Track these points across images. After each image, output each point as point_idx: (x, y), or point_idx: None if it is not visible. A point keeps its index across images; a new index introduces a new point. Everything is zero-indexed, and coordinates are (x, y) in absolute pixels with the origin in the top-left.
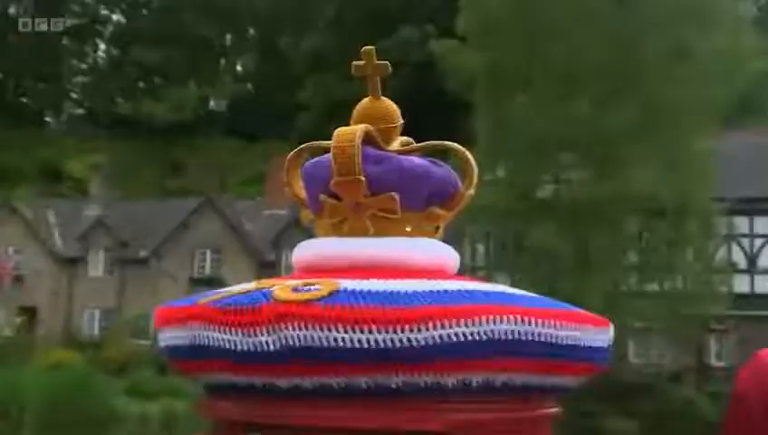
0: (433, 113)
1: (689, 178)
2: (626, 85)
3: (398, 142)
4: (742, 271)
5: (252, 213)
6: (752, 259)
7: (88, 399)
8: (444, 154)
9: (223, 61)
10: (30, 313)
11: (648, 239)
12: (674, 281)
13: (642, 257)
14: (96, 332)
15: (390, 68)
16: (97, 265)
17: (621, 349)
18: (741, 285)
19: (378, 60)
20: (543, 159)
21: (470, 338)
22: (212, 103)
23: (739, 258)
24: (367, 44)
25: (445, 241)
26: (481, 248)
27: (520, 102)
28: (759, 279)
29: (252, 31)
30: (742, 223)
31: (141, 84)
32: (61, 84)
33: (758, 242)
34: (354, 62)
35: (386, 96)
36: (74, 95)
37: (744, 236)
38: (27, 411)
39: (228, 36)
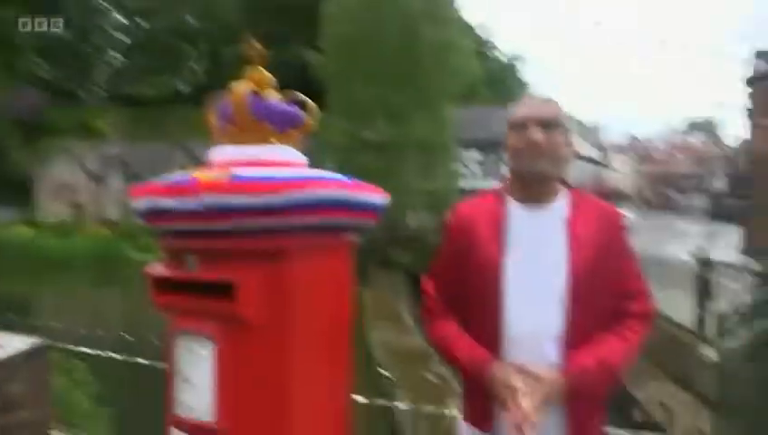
0: (299, 86)
1: (444, 128)
2: (411, 72)
3: (272, 92)
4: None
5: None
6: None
7: (114, 253)
8: (302, 104)
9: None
10: (79, 206)
11: (421, 162)
12: (433, 184)
13: (416, 171)
14: (116, 217)
15: (270, 57)
16: (115, 182)
17: (402, 215)
18: (471, 185)
19: (262, 49)
20: (365, 116)
21: (310, 198)
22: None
23: (467, 172)
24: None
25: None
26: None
27: (353, 86)
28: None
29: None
30: (474, 154)
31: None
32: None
33: (477, 166)
34: (246, 46)
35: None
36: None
37: (474, 162)
38: (80, 262)
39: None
